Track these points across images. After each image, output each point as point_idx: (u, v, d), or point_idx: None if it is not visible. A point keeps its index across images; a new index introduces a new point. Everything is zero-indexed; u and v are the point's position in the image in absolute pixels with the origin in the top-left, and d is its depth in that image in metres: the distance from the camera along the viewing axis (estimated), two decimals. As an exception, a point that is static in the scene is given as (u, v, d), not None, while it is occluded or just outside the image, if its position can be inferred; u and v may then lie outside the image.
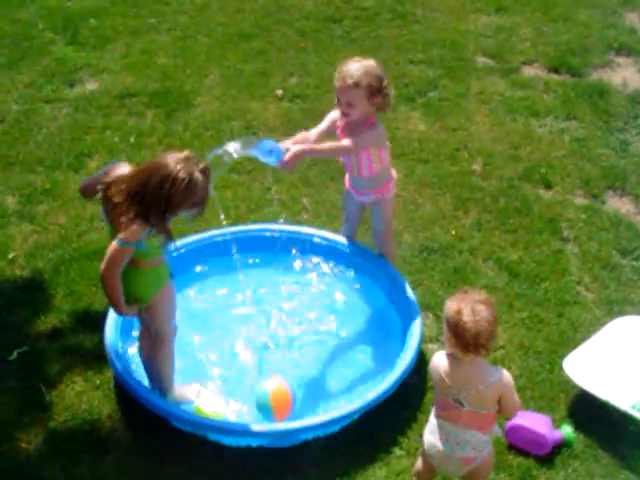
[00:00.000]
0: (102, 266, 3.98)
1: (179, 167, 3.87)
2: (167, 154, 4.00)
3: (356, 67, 4.59)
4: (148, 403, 4.39)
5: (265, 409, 4.43)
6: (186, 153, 3.98)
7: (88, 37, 8.55)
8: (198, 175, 3.91)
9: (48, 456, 4.34)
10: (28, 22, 8.83)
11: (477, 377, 3.60)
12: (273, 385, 4.49)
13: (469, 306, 3.53)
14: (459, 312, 3.52)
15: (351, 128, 4.76)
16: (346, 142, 4.70)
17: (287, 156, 4.52)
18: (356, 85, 4.56)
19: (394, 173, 5.09)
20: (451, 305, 3.58)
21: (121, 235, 3.92)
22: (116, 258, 3.95)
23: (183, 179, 3.86)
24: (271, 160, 4.55)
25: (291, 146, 4.60)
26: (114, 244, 3.94)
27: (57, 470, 4.26)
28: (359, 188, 5.04)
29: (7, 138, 6.95)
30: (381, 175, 4.93)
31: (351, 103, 4.62)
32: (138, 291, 4.19)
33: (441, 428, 3.73)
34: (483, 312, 3.52)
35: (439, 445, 3.74)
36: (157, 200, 3.89)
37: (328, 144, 4.84)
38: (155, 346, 4.45)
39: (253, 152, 4.55)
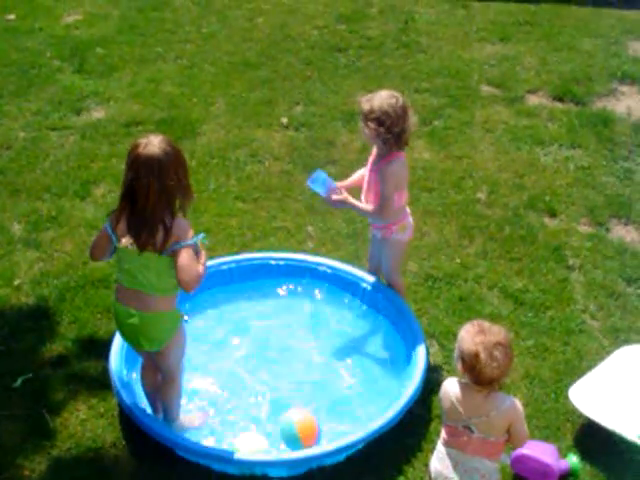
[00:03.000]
0: (185, 276, 3.94)
1: (159, 149, 3.92)
2: (145, 153, 3.95)
3: (368, 99, 4.69)
4: (152, 432, 4.38)
5: (293, 439, 4.45)
6: (139, 143, 3.97)
7: (95, 65, 8.65)
8: (163, 141, 3.97)
9: (51, 484, 4.33)
10: (36, 50, 8.94)
11: (489, 404, 3.60)
12: (298, 415, 4.52)
13: (487, 352, 3.52)
14: (477, 356, 3.52)
15: (375, 161, 4.88)
16: (377, 206, 4.85)
17: (335, 197, 4.87)
18: (364, 117, 4.66)
19: (408, 220, 5.02)
20: (469, 346, 3.55)
21: (181, 240, 3.96)
22: (193, 257, 3.99)
23: (171, 153, 3.95)
24: (320, 190, 4.91)
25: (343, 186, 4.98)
26: (184, 250, 3.95)
27: (60, 499, 4.25)
28: (370, 220, 5.10)
29: (14, 165, 7.00)
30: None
31: (364, 132, 4.74)
32: (155, 335, 4.20)
33: (447, 456, 3.71)
34: (500, 358, 3.54)
35: (446, 473, 3.72)
36: (175, 186, 3.96)
37: (366, 206, 4.94)
38: (165, 384, 4.48)
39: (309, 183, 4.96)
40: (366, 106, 4.65)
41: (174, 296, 4.18)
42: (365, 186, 4.97)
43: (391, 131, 4.62)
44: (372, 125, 4.63)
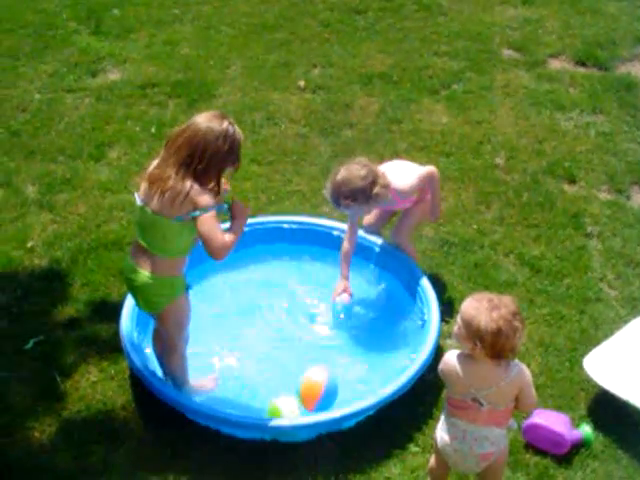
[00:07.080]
0: (208, 246, 3.89)
1: (226, 123, 3.94)
2: (200, 117, 3.98)
3: (330, 192, 4.83)
4: (163, 395, 4.37)
5: (298, 396, 4.46)
6: (215, 111, 4.06)
7: (111, 27, 8.56)
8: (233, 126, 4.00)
9: (61, 446, 4.33)
10: (52, 12, 8.87)
11: (498, 374, 3.52)
12: (315, 376, 4.47)
13: (508, 324, 3.41)
14: (499, 333, 3.40)
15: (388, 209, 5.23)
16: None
17: None
18: (345, 207, 4.84)
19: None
20: (488, 324, 3.41)
21: (198, 207, 3.87)
22: (214, 226, 3.90)
23: (233, 133, 3.95)
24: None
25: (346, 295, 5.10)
26: (203, 219, 3.87)
27: (69, 460, 4.25)
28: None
29: (29, 127, 6.97)
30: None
31: (368, 211, 5.10)
32: (151, 298, 4.18)
33: (454, 426, 3.66)
34: (519, 326, 3.45)
35: (454, 443, 3.67)
36: (216, 160, 3.92)
37: (436, 206, 5.22)
38: (166, 353, 4.45)
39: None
40: (337, 202, 4.82)
41: (179, 261, 4.13)
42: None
43: (376, 183, 4.78)
44: (357, 205, 4.81)
